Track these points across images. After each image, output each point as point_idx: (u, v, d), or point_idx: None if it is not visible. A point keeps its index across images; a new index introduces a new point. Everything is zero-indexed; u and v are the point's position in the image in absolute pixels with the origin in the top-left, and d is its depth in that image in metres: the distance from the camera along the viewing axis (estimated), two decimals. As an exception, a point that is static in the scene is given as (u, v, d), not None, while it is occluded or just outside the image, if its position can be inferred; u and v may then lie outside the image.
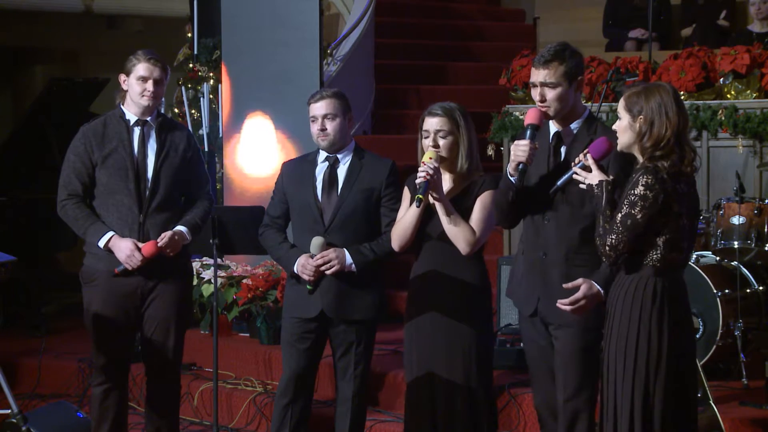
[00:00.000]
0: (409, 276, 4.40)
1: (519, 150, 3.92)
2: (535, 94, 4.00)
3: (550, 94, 3.95)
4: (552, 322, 4.02)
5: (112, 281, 4.66)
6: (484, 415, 4.25)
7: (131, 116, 4.72)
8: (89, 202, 4.72)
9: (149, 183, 4.67)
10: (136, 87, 4.67)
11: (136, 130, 4.72)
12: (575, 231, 3.96)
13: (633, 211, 3.53)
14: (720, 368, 5.48)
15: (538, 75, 3.97)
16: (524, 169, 3.93)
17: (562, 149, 4.03)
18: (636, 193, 3.52)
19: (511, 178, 3.96)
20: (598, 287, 3.83)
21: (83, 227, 4.67)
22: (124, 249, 4.59)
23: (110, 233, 4.62)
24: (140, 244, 4.63)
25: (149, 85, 4.65)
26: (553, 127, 4.06)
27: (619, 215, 3.56)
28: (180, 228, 4.72)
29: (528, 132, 3.94)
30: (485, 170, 4.39)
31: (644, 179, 3.52)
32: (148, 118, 4.72)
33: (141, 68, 4.66)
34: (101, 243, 4.62)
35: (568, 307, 3.82)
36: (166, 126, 4.80)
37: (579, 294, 3.81)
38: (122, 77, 4.73)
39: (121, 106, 4.75)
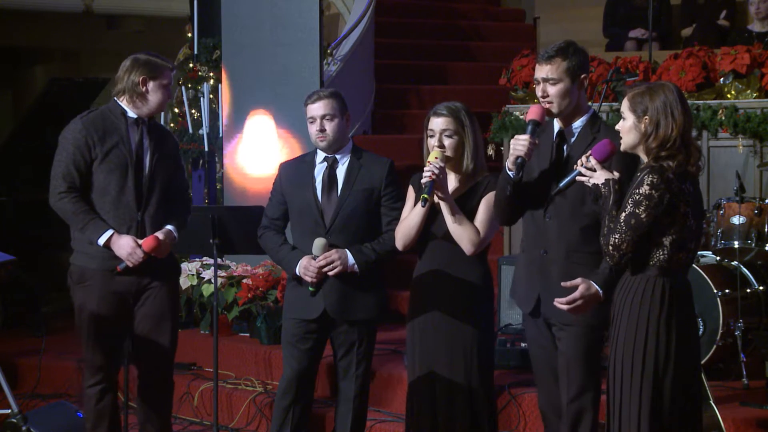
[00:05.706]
0: (410, 276, 4.40)
1: (519, 144, 3.92)
2: (538, 90, 4.00)
3: (552, 90, 3.96)
4: (555, 322, 4.01)
5: (106, 281, 4.60)
6: (483, 415, 4.25)
7: (132, 114, 4.66)
8: (87, 198, 4.62)
9: (147, 181, 4.63)
10: (161, 95, 4.61)
11: (135, 128, 4.66)
12: (576, 228, 3.95)
13: (637, 211, 3.48)
14: (720, 368, 5.48)
15: (541, 71, 3.98)
16: (522, 162, 3.92)
17: (565, 147, 4.02)
18: (641, 192, 3.48)
19: (509, 173, 3.95)
20: (597, 287, 3.81)
21: (82, 222, 4.57)
22: (125, 246, 4.54)
23: (110, 231, 4.55)
24: (139, 241, 4.58)
25: (168, 92, 4.66)
26: (557, 125, 4.06)
27: (623, 214, 3.51)
28: (170, 227, 4.67)
29: (529, 127, 3.95)
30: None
31: (649, 178, 3.47)
32: (146, 118, 4.70)
33: (168, 76, 4.63)
34: (101, 241, 4.55)
35: (565, 306, 3.81)
36: (156, 127, 4.79)
37: (576, 294, 3.79)
38: (145, 79, 4.59)
39: (121, 104, 4.65)
